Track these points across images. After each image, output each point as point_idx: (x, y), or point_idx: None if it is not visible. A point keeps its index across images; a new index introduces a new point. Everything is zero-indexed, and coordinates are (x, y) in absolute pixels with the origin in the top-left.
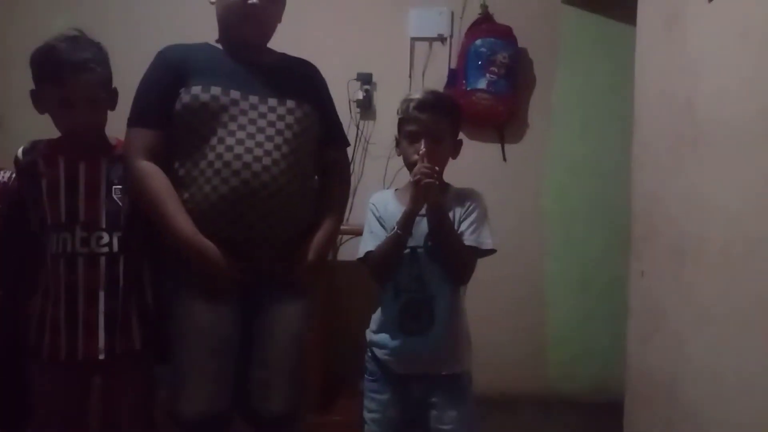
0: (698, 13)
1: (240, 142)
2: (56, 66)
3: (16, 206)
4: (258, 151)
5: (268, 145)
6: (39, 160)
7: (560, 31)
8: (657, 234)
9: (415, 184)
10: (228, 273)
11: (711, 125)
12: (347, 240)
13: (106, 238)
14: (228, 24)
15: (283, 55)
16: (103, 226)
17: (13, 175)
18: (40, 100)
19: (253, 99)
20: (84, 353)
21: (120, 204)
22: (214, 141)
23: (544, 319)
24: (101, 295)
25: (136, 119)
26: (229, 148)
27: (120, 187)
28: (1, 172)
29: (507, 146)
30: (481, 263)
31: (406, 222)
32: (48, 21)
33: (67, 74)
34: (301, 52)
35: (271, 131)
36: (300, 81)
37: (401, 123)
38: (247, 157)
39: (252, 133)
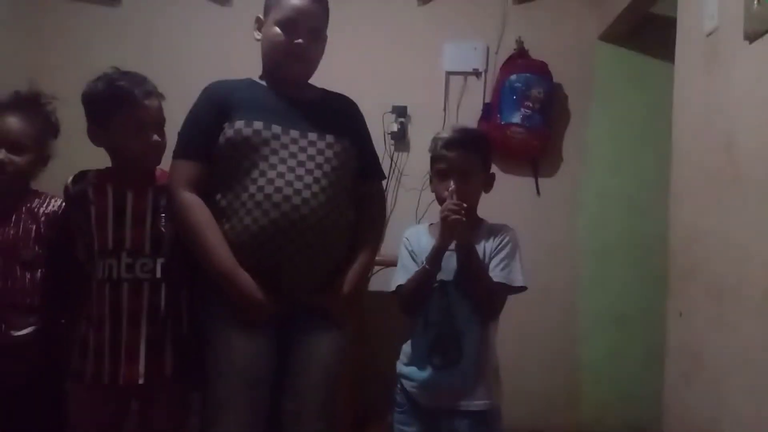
0: (739, 53)
1: (280, 175)
2: (129, 93)
3: (63, 233)
4: (298, 184)
5: (308, 179)
6: (89, 188)
7: (595, 66)
8: (696, 273)
9: (443, 221)
10: (264, 307)
11: (751, 163)
12: (378, 270)
13: (150, 264)
14: (273, 61)
15: (324, 90)
16: (148, 252)
17: (63, 204)
18: (104, 133)
19: (294, 133)
20: (125, 378)
21: (164, 231)
22: (255, 174)
23: (578, 356)
24: (143, 320)
25: (180, 152)
26: (270, 182)
27: (164, 215)
28: (53, 200)
29: (541, 180)
30: (514, 298)
31: (435, 257)
32: (94, 59)
33: (141, 100)
34: (338, 85)
35: (310, 165)
36: (339, 116)
37: (432, 161)
38: (288, 190)
39: (292, 167)
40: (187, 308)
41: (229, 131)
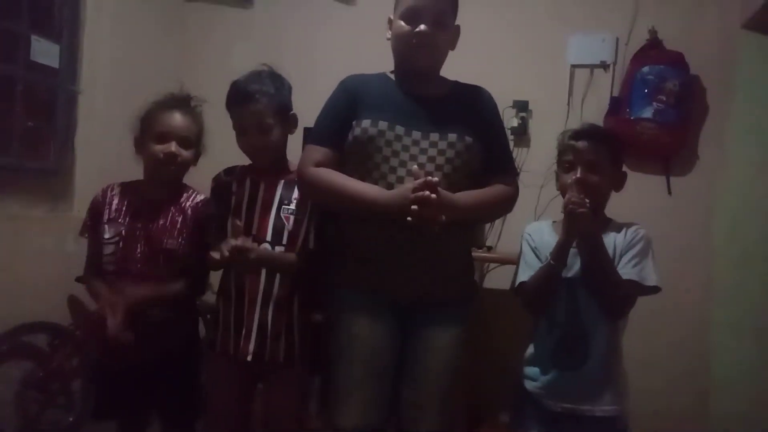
0: None
1: (400, 180)
2: (230, 98)
3: (208, 219)
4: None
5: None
6: (234, 181)
7: (738, 57)
8: None
9: (567, 214)
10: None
11: None
12: (494, 267)
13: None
14: (400, 54)
15: (455, 83)
16: (269, 239)
17: (204, 198)
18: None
19: (416, 135)
20: (239, 353)
21: (285, 222)
22: (376, 175)
23: (709, 370)
24: (257, 302)
25: (312, 137)
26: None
27: (288, 207)
28: (199, 195)
29: (673, 179)
30: (642, 306)
31: (560, 252)
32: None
33: (238, 104)
34: (458, 78)
35: (431, 167)
36: (467, 111)
37: (559, 155)
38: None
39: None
40: (303, 296)
41: (357, 129)
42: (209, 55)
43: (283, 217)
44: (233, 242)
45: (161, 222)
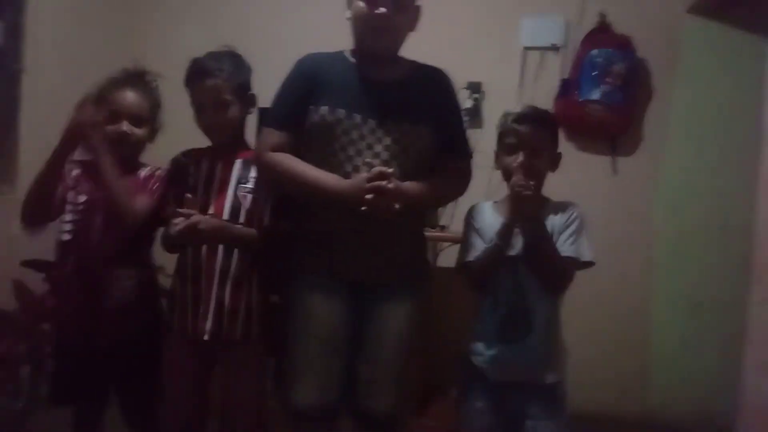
0: None
1: (356, 169)
2: (189, 74)
3: (159, 196)
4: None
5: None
6: (191, 163)
7: (683, 41)
8: None
9: (514, 197)
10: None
11: None
12: (447, 246)
13: None
14: (358, 35)
15: (414, 65)
16: (226, 218)
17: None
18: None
19: (372, 123)
20: (193, 332)
21: (241, 201)
22: (333, 163)
23: (648, 340)
24: (215, 281)
25: (268, 120)
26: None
27: (245, 185)
28: (158, 170)
29: (619, 159)
30: (584, 278)
31: (505, 233)
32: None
33: (196, 80)
34: (413, 59)
35: (386, 155)
36: (423, 96)
37: (500, 136)
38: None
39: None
40: (260, 276)
41: (314, 116)
42: (158, 32)
43: (239, 196)
44: (181, 217)
45: None
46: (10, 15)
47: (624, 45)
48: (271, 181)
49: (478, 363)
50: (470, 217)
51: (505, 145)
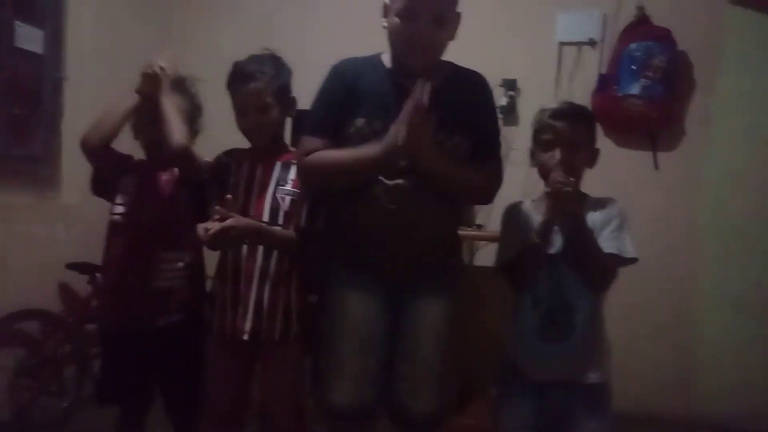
0: None
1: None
2: (231, 77)
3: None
4: (405, 186)
5: (413, 188)
6: (232, 163)
7: (725, 33)
8: None
9: (552, 194)
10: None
11: None
12: (484, 245)
13: None
14: (395, 48)
15: (453, 69)
16: (265, 219)
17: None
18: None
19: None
20: (231, 332)
21: (281, 202)
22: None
23: (693, 339)
24: (254, 282)
25: (309, 129)
26: (380, 184)
27: (284, 187)
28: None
29: (660, 154)
30: (626, 277)
31: (545, 231)
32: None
33: (238, 83)
34: (447, 57)
35: (416, 179)
36: (459, 104)
37: (536, 132)
38: (393, 193)
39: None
40: (299, 276)
41: (350, 128)
42: (195, 40)
43: (279, 198)
44: (210, 223)
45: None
46: (52, 23)
47: (664, 37)
48: (314, 182)
49: (518, 362)
50: (508, 215)
51: (542, 141)
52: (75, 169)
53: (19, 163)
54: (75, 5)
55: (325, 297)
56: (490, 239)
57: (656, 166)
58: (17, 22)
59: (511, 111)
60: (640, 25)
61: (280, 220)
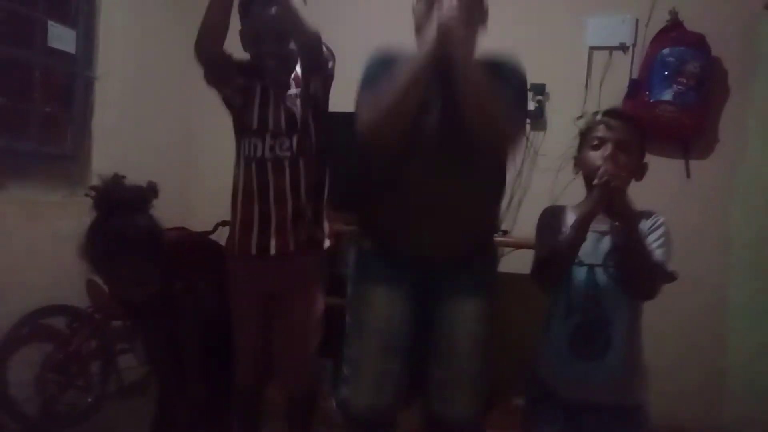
0: None
1: (427, 169)
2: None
3: None
4: (438, 182)
5: (450, 170)
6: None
7: (760, 38)
8: None
9: (602, 186)
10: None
11: None
12: (509, 252)
13: (287, 143)
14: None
15: (485, 61)
16: (284, 130)
17: None
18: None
19: (441, 127)
20: (277, 249)
21: (294, 110)
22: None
23: (725, 353)
24: (288, 195)
25: (365, 104)
26: (417, 180)
27: (293, 92)
28: None
29: (692, 162)
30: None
31: (583, 224)
32: None
33: (257, 8)
34: None
35: (449, 158)
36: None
37: (586, 134)
38: (430, 187)
39: (435, 160)
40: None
41: None
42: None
43: (289, 105)
44: None
45: None
46: (83, 23)
47: (697, 43)
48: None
49: (549, 378)
50: (546, 218)
51: (592, 139)
52: (104, 167)
53: (50, 161)
54: (107, 5)
55: (351, 286)
56: (516, 246)
57: (688, 175)
58: (50, 22)
59: (539, 116)
60: (673, 30)
61: (299, 126)
